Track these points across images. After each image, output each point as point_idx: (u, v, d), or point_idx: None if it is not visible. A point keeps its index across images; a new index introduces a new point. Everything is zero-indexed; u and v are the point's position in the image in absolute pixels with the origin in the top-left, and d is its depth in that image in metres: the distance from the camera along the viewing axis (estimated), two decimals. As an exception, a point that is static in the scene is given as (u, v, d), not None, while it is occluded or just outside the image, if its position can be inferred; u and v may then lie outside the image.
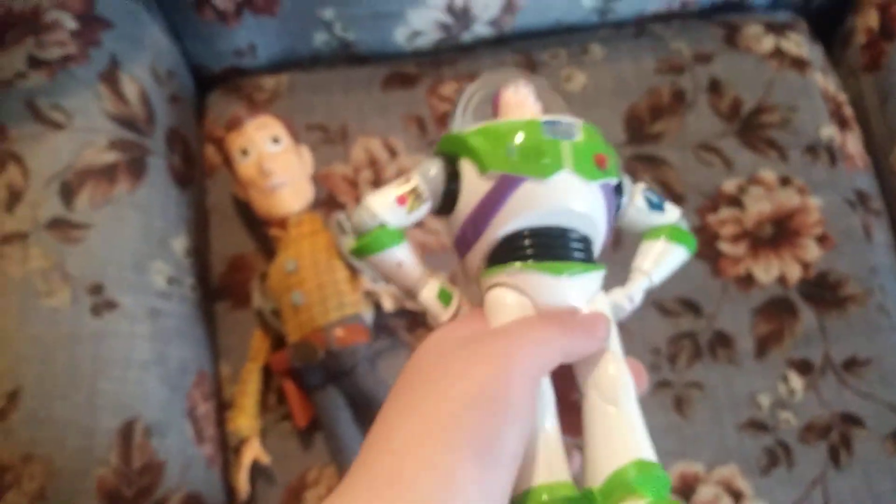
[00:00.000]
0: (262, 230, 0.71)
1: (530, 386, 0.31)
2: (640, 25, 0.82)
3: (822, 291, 0.71)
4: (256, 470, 0.65)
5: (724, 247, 0.72)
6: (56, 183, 0.60)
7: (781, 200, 0.74)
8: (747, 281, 0.71)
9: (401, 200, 0.35)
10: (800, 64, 0.79)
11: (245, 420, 0.65)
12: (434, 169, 0.35)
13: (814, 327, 0.70)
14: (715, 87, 0.77)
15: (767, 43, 0.80)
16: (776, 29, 0.81)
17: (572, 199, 0.34)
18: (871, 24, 0.81)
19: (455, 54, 0.80)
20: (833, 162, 0.75)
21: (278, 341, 0.67)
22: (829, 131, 0.76)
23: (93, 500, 0.52)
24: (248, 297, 0.69)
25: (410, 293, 0.37)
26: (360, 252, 0.35)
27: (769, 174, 0.74)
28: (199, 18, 0.74)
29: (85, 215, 0.60)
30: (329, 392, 0.65)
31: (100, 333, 0.57)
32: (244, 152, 0.67)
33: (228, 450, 0.67)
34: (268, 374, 0.68)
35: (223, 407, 0.69)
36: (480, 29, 0.79)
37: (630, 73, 0.78)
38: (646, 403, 0.67)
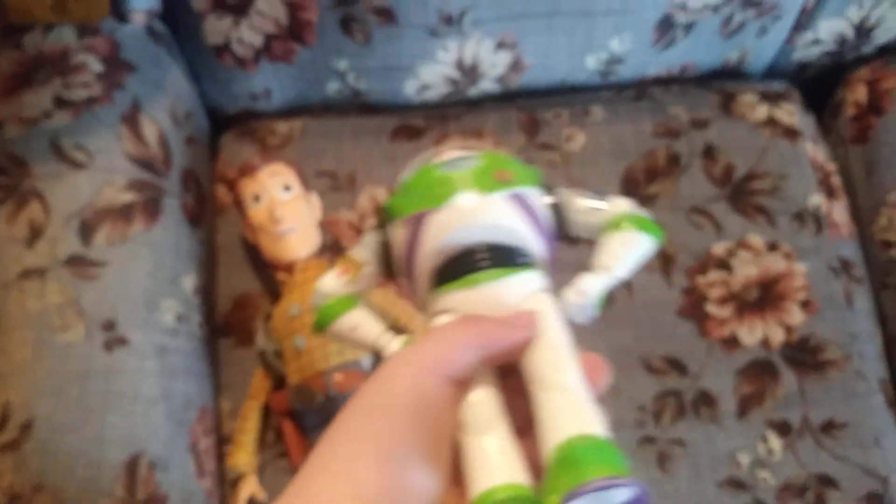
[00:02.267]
0: (267, 271, 0.73)
1: (452, 390, 0.31)
2: (641, 88, 0.85)
3: (804, 355, 0.74)
4: (251, 505, 0.67)
5: (711, 308, 0.75)
6: (75, 221, 0.62)
7: (768, 265, 0.77)
8: (732, 343, 0.74)
9: (342, 273, 0.37)
10: (791, 133, 0.82)
11: (243, 456, 0.68)
12: (369, 237, 0.37)
13: (794, 390, 0.73)
14: (709, 153, 0.81)
15: (761, 111, 0.83)
16: (770, 98, 0.84)
17: (472, 215, 0.34)
18: (860, 98, 0.85)
19: (462, 109, 0.83)
20: (819, 229, 0.79)
21: (279, 381, 0.69)
22: (816, 199, 0.80)
23: (97, 533, 0.54)
24: (251, 334, 0.71)
25: (377, 353, 0.37)
26: (318, 328, 0.37)
27: (757, 239, 0.78)
28: (219, 63, 0.77)
29: (101, 253, 0.62)
30: (326, 432, 0.67)
31: (111, 369, 0.59)
32: (256, 198, 0.69)
33: (226, 484, 0.69)
34: (267, 411, 0.70)
35: (222, 441, 0.71)
36: (487, 85, 0.82)
37: (629, 135, 0.81)
38: (630, 459, 0.69)
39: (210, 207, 0.77)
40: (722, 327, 0.75)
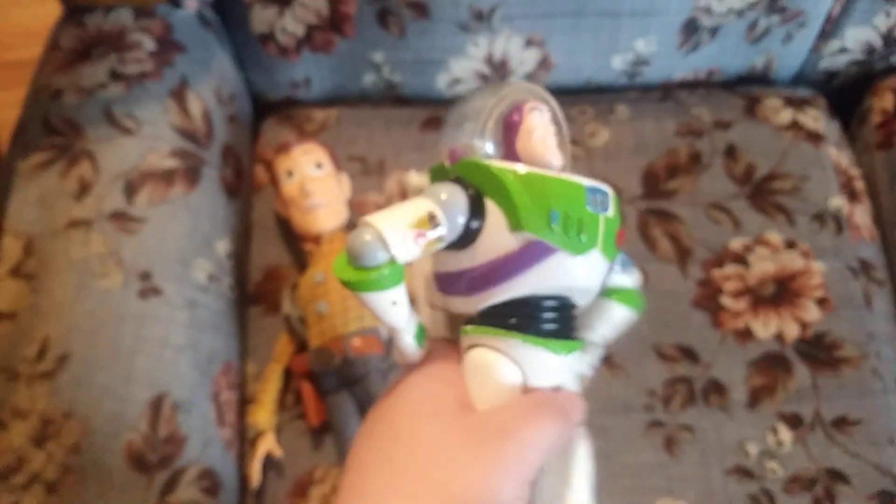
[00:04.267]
0: (297, 245, 0.77)
1: (526, 492, 0.29)
2: (666, 90, 0.88)
3: (818, 351, 0.74)
4: (269, 462, 0.70)
5: (726, 301, 0.76)
6: (121, 181, 0.67)
7: (785, 262, 0.78)
8: (745, 334, 0.75)
9: (420, 235, 0.29)
10: (815, 137, 0.84)
11: (263, 415, 0.71)
12: (460, 204, 0.30)
13: (807, 384, 0.73)
14: (731, 152, 0.83)
15: (785, 115, 0.85)
16: (795, 103, 0.86)
17: (594, 277, 0.32)
18: (887, 105, 0.86)
19: (491, 102, 0.87)
20: (839, 230, 0.79)
21: (302, 346, 0.73)
22: (837, 201, 0.80)
23: (121, 461, 0.58)
24: (279, 304, 0.75)
25: (392, 331, 0.32)
26: (358, 287, 0.29)
27: (776, 236, 0.79)
28: (263, 51, 0.82)
29: (143, 211, 0.67)
30: (342, 397, 0.70)
31: (143, 315, 0.63)
32: (289, 173, 0.74)
33: (245, 442, 0.72)
34: (289, 376, 0.73)
35: (245, 401, 0.75)
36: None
37: (651, 133, 0.84)
38: (637, 441, 0.71)
39: (247, 184, 0.82)
40: (736, 319, 0.76)
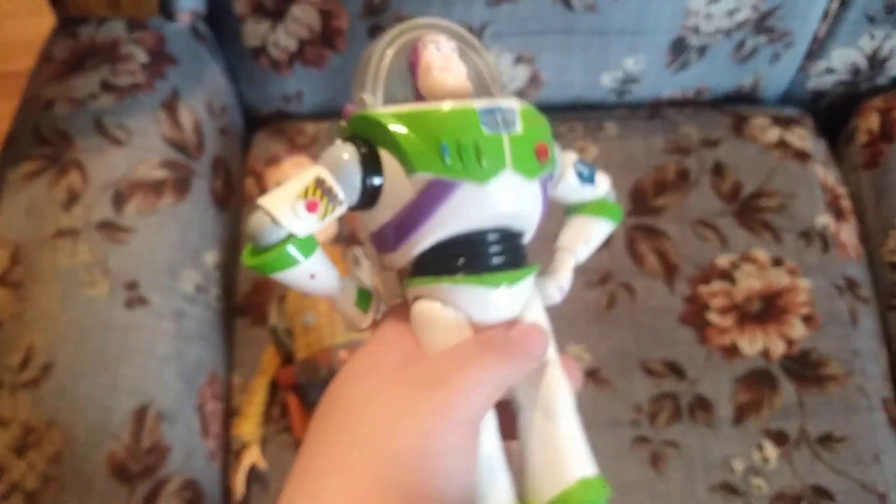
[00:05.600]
0: (286, 256, 0.77)
1: (472, 434, 0.28)
2: (655, 108, 0.88)
3: (804, 368, 0.75)
4: (253, 474, 0.70)
5: (713, 317, 0.77)
6: (110, 190, 0.68)
7: (772, 279, 0.78)
8: (731, 351, 0.75)
9: (311, 206, 0.28)
10: (802, 156, 0.85)
11: (248, 427, 0.71)
12: (350, 163, 0.29)
13: (793, 401, 0.74)
14: (718, 170, 0.83)
15: (772, 134, 0.86)
16: (782, 122, 0.87)
17: (513, 202, 0.30)
18: (872, 125, 0.87)
19: (481, 118, 0.87)
20: (826, 248, 0.80)
21: (288, 358, 0.73)
22: (823, 220, 0.81)
23: (102, 471, 0.58)
24: (266, 315, 0.75)
25: (327, 301, 0.32)
26: (263, 269, 0.29)
27: (762, 254, 0.79)
28: (255, 65, 0.83)
29: (131, 221, 0.67)
30: (328, 409, 0.70)
31: (129, 325, 0.63)
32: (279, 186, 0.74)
33: (230, 453, 0.72)
34: (275, 388, 0.73)
35: (231, 413, 0.74)
36: (506, 98, 0.86)
37: (640, 150, 0.85)
38: (623, 456, 0.71)
39: (238, 196, 0.82)
40: (722, 336, 0.76)
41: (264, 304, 0.77)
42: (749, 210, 0.81)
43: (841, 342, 0.76)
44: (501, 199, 0.30)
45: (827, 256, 0.80)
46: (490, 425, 0.30)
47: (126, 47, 0.74)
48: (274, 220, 0.28)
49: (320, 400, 0.30)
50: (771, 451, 0.72)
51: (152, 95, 0.73)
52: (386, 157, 0.29)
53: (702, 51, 0.84)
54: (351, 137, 0.30)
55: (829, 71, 0.88)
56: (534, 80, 0.85)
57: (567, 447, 0.31)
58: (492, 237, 0.30)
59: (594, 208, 0.36)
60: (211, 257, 0.74)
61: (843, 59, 0.87)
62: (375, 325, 0.33)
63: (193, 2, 0.77)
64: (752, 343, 0.76)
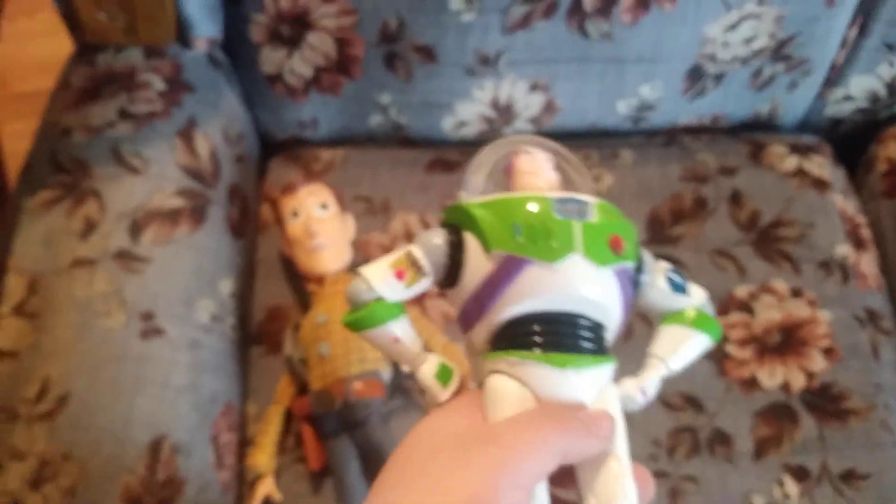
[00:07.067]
0: (301, 286, 0.77)
1: (522, 497, 0.29)
2: (671, 136, 0.88)
3: (825, 402, 0.74)
4: (266, 506, 0.69)
5: (732, 349, 0.76)
6: (127, 220, 0.68)
7: (791, 311, 0.77)
8: (751, 384, 0.74)
9: (399, 275, 0.33)
10: (820, 184, 0.84)
11: (263, 457, 0.70)
12: (437, 239, 0.33)
13: (813, 436, 0.72)
14: (736, 199, 0.83)
15: (791, 162, 0.85)
16: (801, 150, 0.86)
17: (582, 285, 0.32)
18: (892, 154, 0.86)
19: (497, 145, 0.87)
20: (846, 279, 0.79)
21: (303, 388, 0.72)
22: (843, 250, 0.80)
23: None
24: (281, 344, 0.75)
25: (408, 369, 0.35)
26: (354, 326, 0.33)
27: (781, 284, 0.78)
28: (272, 92, 0.83)
29: (147, 250, 0.67)
30: (342, 441, 0.69)
31: (145, 356, 0.63)
32: (295, 214, 0.74)
33: (244, 483, 0.71)
34: (289, 418, 0.73)
35: (245, 442, 0.74)
36: (521, 125, 0.86)
37: (656, 178, 0.84)
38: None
39: (253, 223, 0.82)
40: (741, 368, 0.75)
41: (279, 333, 0.77)
42: (767, 240, 0.81)
43: (862, 375, 0.75)
44: (571, 281, 0.32)
45: (847, 287, 0.79)
46: (544, 498, 0.31)
47: (143, 75, 0.74)
48: (368, 284, 0.33)
49: (386, 463, 0.32)
50: (792, 487, 0.71)
51: (169, 123, 0.73)
52: (469, 239, 0.33)
53: (718, 78, 0.83)
54: (444, 224, 0.35)
55: (848, 98, 0.87)
56: (549, 108, 0.84)
57: None
58: (565, 320, 0.32)
59: (691, 321, 0.36)
60: (226, 286, 0.74)
61: (861, 86, 0.86)
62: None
63: (210, 29, 0.77)
64: (771, 376, 0.75)
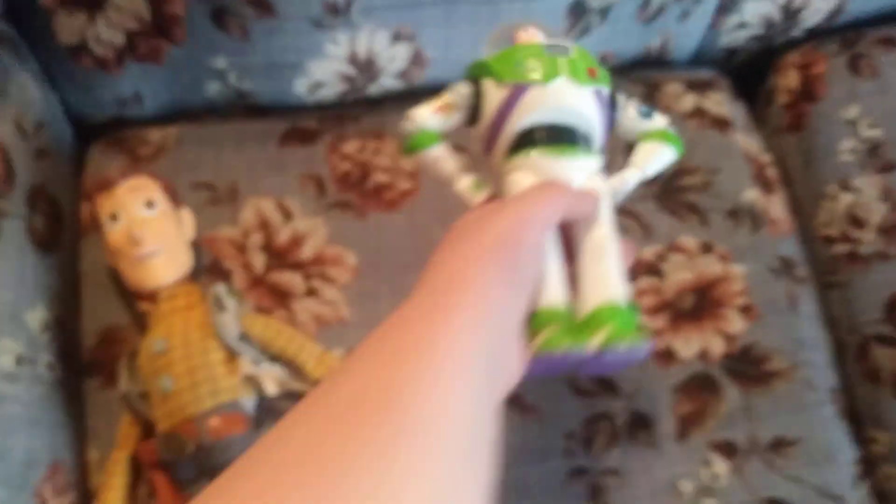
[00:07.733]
0: (134, 303, 0.63)
1: (541, 232, 0.40)
2: (558, 81, 0.78)
3: (747, 367, 0.67)
4: (118, 575, 0.57)
5: (643, 320, 0.67)
6: None
7: (702, 269, 0.69)
8: (667, 356, 0.67)
9: (438, 109, 0.45)
10: (721, 123, 0.76)
11: (108, 517, 0.58)
12: (464, 88, 0.45)
13: (738, 406, 0.66)
14: (632, 148, 0.73)
15: (688, 101, 0.77)
16: (697, 87, 0.78)
17: (568, 98, 0.43)
18: (791, 83, 0.79)
19: (361, 108, 0.75)
20: (756, 227, 0.72)
21: (149, 427, 0.60)
22: (751, 194, 0.73)
23: None
24: (117, 377, 0.62)
25: (448, 184, 0.46)
26: (408, 151, 0.45)
27: (690, 240, 0.70)
28: (77, 66, 0.68)
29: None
30: (204, 487, 0.57)
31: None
32: (113, 217, 0.60)
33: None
34: (138, 464, 0.60)
35: (89, 496, 0.61)
36: (388, 82, 0.74)
37: (545, 131, 0.74)
38: (558, 492, 0.61)
39: (70, 229, 0.67)
40: (655, 340, 0.67)
41: (116, 359, 0.63)
42: (671, 191, 0.72)
43: (782, 332, 0.68)
44: (560, 95, 0.44)
45: (758, 236, 0.71)
46: (554, 246, 0.42)
47: None
48: (415, 122, 0.45)
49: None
50: (720, 465, 0.64)
51: (-67, 120, 0.57)
52: (487, 83, 0.45)
53: (604, 13, 0.73)
54: (465, 78, 0.46)
55: (742, 25, 0.79)
56: (417, 60, 0.72)
57: (603, 279, 0.43)
58: (560, 125, 0.44)
59: (659, 136, 0.49)
60: (36, 317, 0.59)
61: (756, 11, 0.78)
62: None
63: (-20, -5, 0.61)
64: (688, 344, 0.67)
